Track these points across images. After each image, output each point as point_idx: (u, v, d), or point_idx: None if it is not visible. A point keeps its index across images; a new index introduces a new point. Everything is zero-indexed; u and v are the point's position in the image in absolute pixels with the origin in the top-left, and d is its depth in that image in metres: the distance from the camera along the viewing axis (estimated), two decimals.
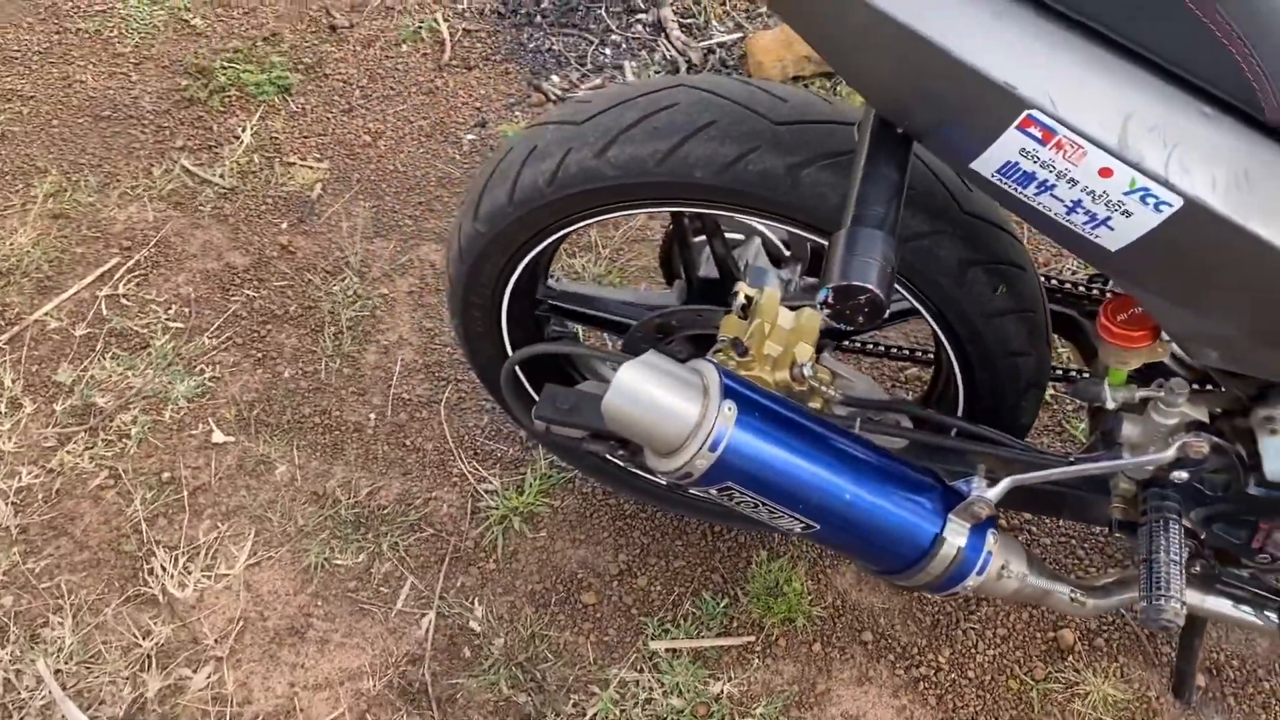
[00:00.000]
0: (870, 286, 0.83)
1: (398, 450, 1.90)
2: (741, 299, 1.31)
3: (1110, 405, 1.10)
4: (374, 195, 2.30)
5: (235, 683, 1.64)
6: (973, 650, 1.67)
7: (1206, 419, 1.10)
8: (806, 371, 1.27)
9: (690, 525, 1.81)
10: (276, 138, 2.43)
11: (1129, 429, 1.12)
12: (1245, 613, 1.25)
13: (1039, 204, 0.88)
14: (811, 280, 1.47)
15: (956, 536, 1.14)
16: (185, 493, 1.85)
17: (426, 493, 1.85)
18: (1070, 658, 1.66)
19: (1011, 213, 0.93)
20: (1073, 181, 0.85)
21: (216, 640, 1.69)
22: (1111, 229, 0.87)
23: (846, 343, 1.49)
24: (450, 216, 2.24)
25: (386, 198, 2.29)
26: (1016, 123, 0.83)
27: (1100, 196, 0.85)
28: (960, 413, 1.37)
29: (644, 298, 1.52)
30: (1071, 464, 1.13)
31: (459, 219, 1.38)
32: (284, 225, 2.25)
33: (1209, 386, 1.18)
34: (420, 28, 2.61)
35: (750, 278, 1.40)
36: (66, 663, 1.65)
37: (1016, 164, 0.86)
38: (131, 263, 2.18)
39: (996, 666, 1.65)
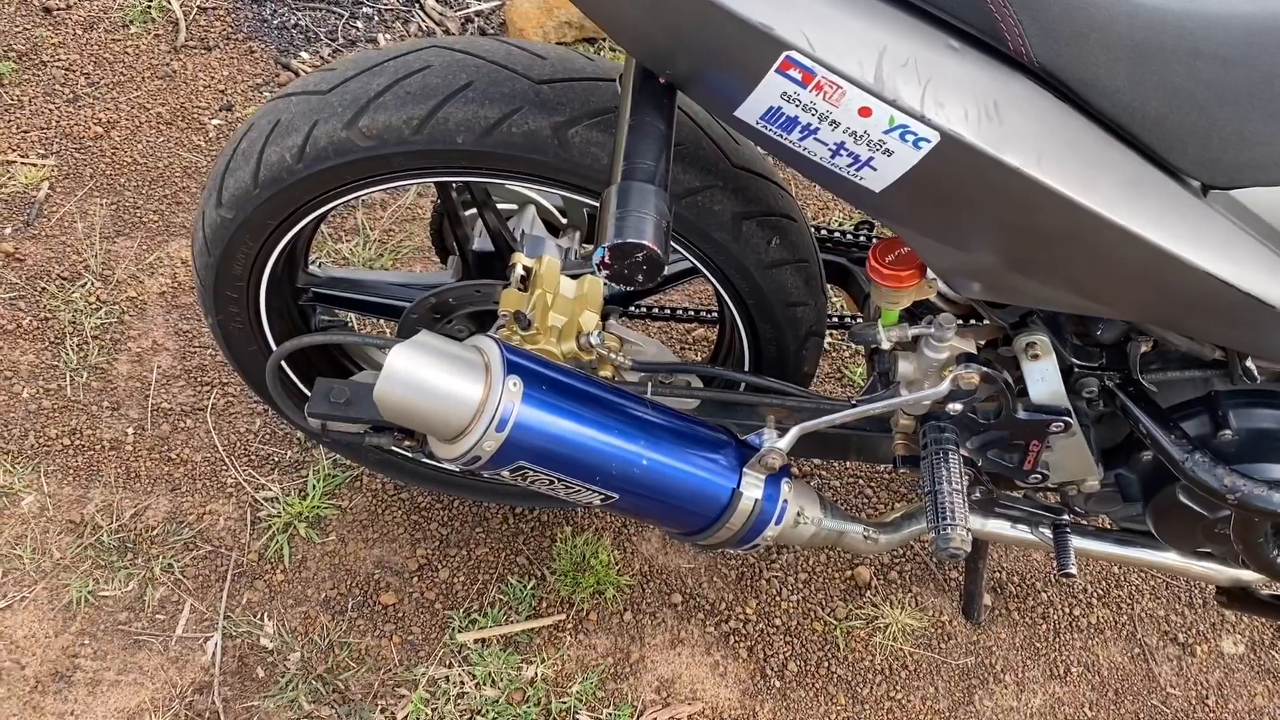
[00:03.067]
0: (646, 243, 0.80)
1: (163, 465, 1.75)
2: (520, 270, 1.26)
3: (885, 345, 1.12)
4: (111, 191, 2.10)
5: None
6: (777, 598, 1.70)
7: (975, 350, 1.14)
8: (594, 340, 1.24)
9: (490, 510, 1.75)
10: None
11: (904, 367, 1.15)
12: (1022, 531, 1.32)
13: (804, 149, 0.88)
14: (589, 248, 1.44)
15: (752, 489, 1.14)
16: None
17: (199, 507, 1.71)
18: (868, 593, 1.71)
19: (779, 160, 0.92)
20: (834, 123, 0.84)
21: None
22: (874, 169, 0.87)
23: (633, 309, 1.47)
24: None
25: (126, 193, 2.10)
26: (776, 65, 0.81)
27: (862, 137, 0.85)
28: (747, 367, 1.37)
29: (418, 278, 1.44)
30: (854, 406, 1.14)
31: (201, 207, 1.27)
32: (7, 231, 2.03)
33: (974, 320, 1.22)
34: (149, 7, 2.40)
35: (527, 248, 1.35)
36: None
37: (779, 109, 0.85)
38: None
39: (801, 611, 1.69)
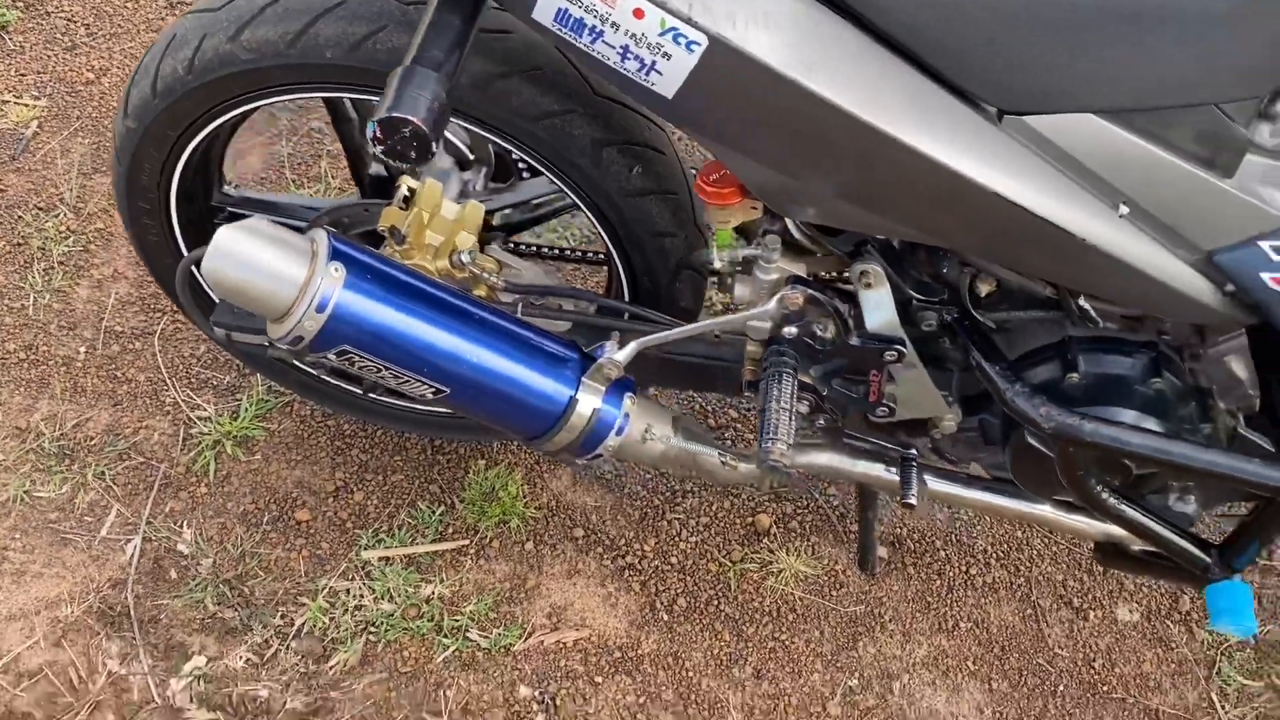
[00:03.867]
0: (414, 119, 0.87)
1: (108, 382, 1.86)
2: (404, 191, 1.33)
3: (716, 265, 1.18)
4: (94, 132, 2.22)
5: None
6: (676, 538, 1.75)
7: (805, 274, 1.19)
8: (465, 258, 1.31)
9: (410, 441, 1.83)
10: None
11: (739, 289, 1.20)
12: (868, 466, 1.35)
13: (597, 53, 0.94)
14: (495, 185, 1.51)
15: (590, 398, 1.20)
16: None
17: (137, 423, 1.81)
18: (766, 540, 1.76)
19: (587, 68, 0.98)
20: (615, 25, 0.90)
21: None
22: (660, 74, 0.93)
23: (524, 247, 1.53)
24: None
25: (108, 134, 2.21)
26: None
27: (641, 40, 0.91)
28: (626, 298, 1.43)
29: (325, 202, 1.52)
30: (685, 325, 1.19)
31: (114, 120, 1.36)
32: None
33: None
34: None
35: (426, 178, 1.43)
36: None
37: (567, 10, 0.91)
38: None
39: (698, 552, 1.74)
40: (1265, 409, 1.19)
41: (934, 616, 1.71)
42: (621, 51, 0.92)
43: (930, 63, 0.96)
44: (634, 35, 0.91)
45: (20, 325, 1.91)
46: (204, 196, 1.47)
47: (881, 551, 1.76)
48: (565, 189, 1.30)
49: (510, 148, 1.25)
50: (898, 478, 1.32)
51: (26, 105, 2.26)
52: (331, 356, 1.08)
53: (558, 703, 1.59)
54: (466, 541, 1.72)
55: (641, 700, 1.60)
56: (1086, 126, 1.01)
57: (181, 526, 1.71)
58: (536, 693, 1.59)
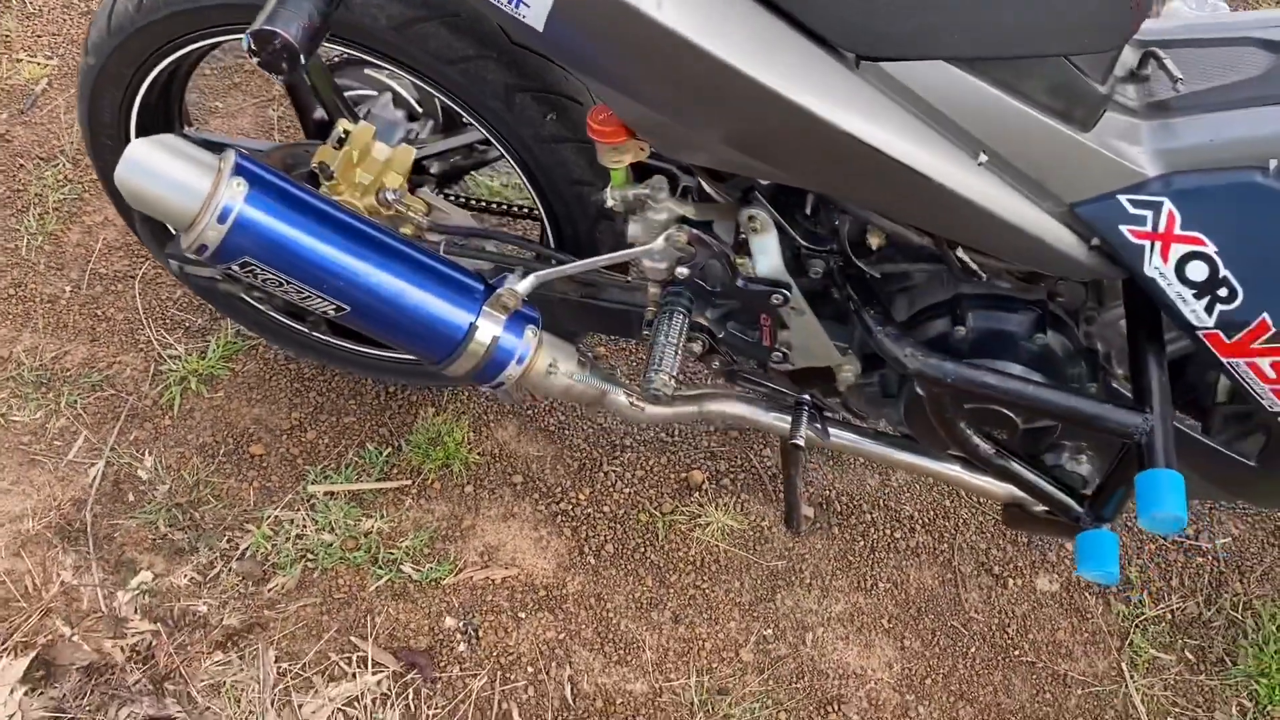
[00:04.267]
0: (283, 33, 0.95)
1: (89, 320, 1.97)
2: (339, 132, 1.42)
3: (610, 204, 1.24)
4: None
5: None
6: (611, 489, 1.82)
7: (693, 215, 1.25)
8: (389, 196, 1.39)
9: (366, 386, 1.91)
10: (8, 35, 2.45)
11: (632, 228, 1.27)
12: (762, 413, 1.41)
13: None
14: (440, 138, 1.59)
15: (490, 327, 1.27)
16: None
17: (111, 358, 1.92)
18: (697, 495, 1.82)
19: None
20: None
21: None
22: (528, 5, 1.00)
23: (456, 198, 1.61)
24: None
25: None
26: None
27: None
28: (551, 244, 1.50)
29: (276, 145, 1.61)
30: (579, 260, 1.26)
31: (80, 60, 1.46)
32: (3, 116, 2.28)
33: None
34: None
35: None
36: None
37: None
38: None
39: (630, 502, 1.81)
40: (1131, 359, 1.23)
41: (854, 575, 1.76)
42: None
43: (783, 6, 1.02)
44: None
45: (12, 264, 2.03)
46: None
47: (808, 511, 1.82)
48: (486, 135, 1.38)
49: (430, 90, 1.33)
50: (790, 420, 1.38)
51: (39, 64, 2.39)
52: (236, 268, 1.17)
53: (480, 634, 1.66)
54: (409, 482, 1.81)
55: (561, 636, 1.67)
56: (941, 74, 1.06)
57: (143, 454, 1.81)
58: (461, 624, 1.67)
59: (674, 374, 1.24)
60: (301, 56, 0.96)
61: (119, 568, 1.68)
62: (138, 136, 1.51)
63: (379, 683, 1.59)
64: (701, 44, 1.00)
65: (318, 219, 1.18)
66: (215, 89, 2.31)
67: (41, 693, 1.54)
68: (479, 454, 1.85)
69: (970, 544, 1.81)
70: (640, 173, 1.28)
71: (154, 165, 1.11)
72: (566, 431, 1.88)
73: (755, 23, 1.02)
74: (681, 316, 1.27)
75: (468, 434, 1.87)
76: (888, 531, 1.81)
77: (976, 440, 1.27)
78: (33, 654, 1.58)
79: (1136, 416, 1.14)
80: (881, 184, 1.12)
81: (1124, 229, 1.13)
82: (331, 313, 1.22)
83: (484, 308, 1.27)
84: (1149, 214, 1.11)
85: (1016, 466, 1.29)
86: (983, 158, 1.11)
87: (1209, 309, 1.14)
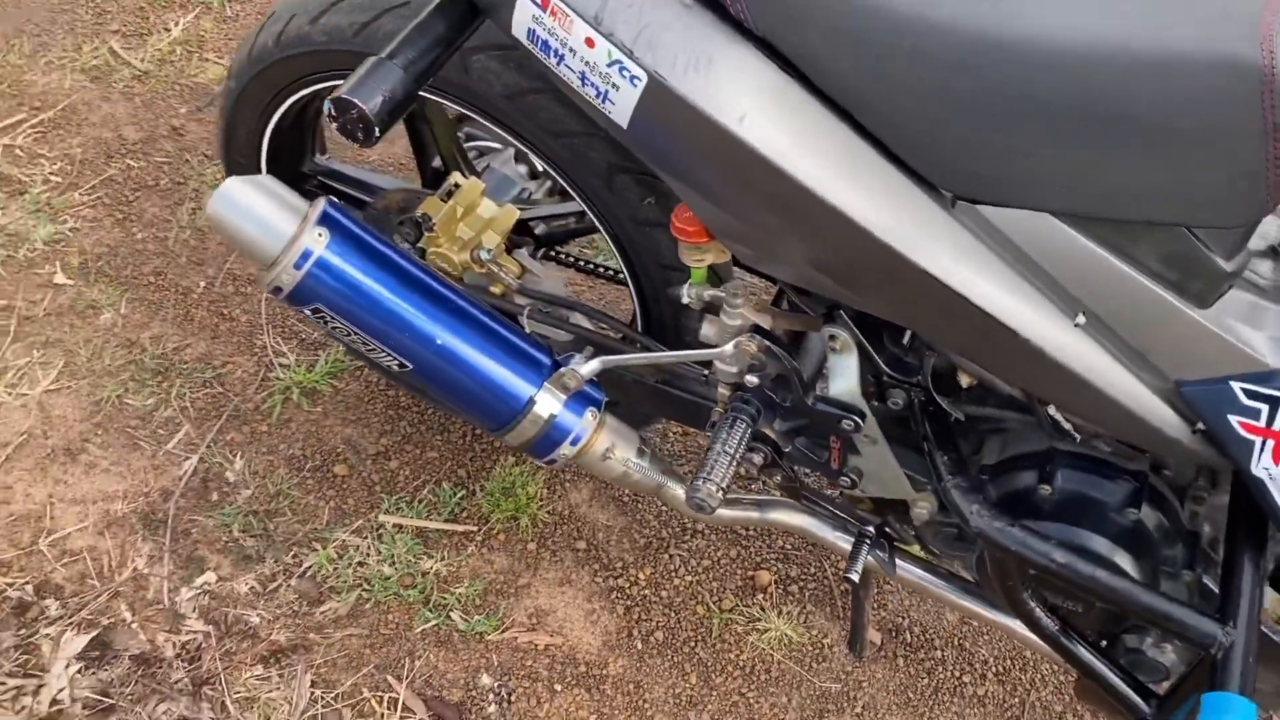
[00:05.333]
0: (362, 105, 0.95)
1: (214, 318, 2.06)
2: (449, 184, 1.44)
3: (685, 301, 1.21)
4: None
5: (1, 485, 1.80)
6: (673, 574, 1.77)
7: (769, 325, 1.20)
8: (484, 254, 1.40)
9: (454, 425, 1.93)
10: (203, 35, 2.61)
11: (706, 328, 1.23)
12: (821, 528, 1.34)
13: (563, 75, 1.00)
14: (551, 201, 1.60)
15: (549, 403, 1.25)
16: (14, 321, 2.01)
17: (227, 357, 2.00)
18: (761, 596, 1.75)
19: (560, 88, 1.04)
20: (572, 51, 0.96)
21: None
22: (613, 104, 0.98)
23: (557, 255, 1.60)
24: None
25: None
26: None
27: (594, 68, 0.96)
28: (639, 324, 1.48)
29: (400, 184, 1.65)
30: (648, 350, 1.23)
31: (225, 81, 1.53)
32: (182, 110, 2.42)
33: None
34: None
35: (489, 181, 1.53)
36: None
37: (535, 31, 0.98)
38: (36, 120, 2.37)
39: (690, 592, 1.75)
40: (1225, 561, 1.11)
41: (910, 714, 1.66)
42: (580, 77, 0.98)
43: (876, 134, 0.97)
44: (587, 63, 0.96)
45: (158, 253, 2.15)
46: (295, 163, 1.62)
47: (875, 636, 1.72)
48: (585, 206, 1.37)
49: (536, 160, 1.33)
50: (850, 546, 1.31)
51: (224, 66, 2.54)
52: (307, 312, 1.18)
53: (512, 699, 1.64)
54: (475, 528, 1.80)
55: (592, 717, 1.63)
56: (1044, 226, 0.99)
57: (235, 456, 1.87)
58: (496, 684, 1.65)
59: (724, 485, 1.19)
60: (376, 130, 0.97)
61: (188, 563, 1.74)
62: (269, 159, 1.57)
63: None
64: (782, 165, 0.95)
65: (393, 277, 1.18)
66: None
67: (93, 673, 1.60)
68: (548, 512, 1.83)
69: (1044, 703, 1.67)
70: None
71: (245, 203, 1.14)
72: (640, 505, 1.85)
73: (847, 149, 0.97)
74: (744, 425, 1.22)
75: (542, 490, 1.85)
76: (956, 673, 1.69)
77: (1039, 613, 1.17)
78: (94, 633, 1.64)
79: (1216, 627, 1.03)
80: (966, 331, 1.04)
81: (1233, 419, 1.02)
82: (395, 369, 1.23)
83: (546, 384, 1.25)
84: (1264, 408, 1.00)
85: (1079, 649, 1.18)
86: (1081, 319, 1.02)
87: None
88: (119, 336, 2.01)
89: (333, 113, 0.98)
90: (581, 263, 1.58)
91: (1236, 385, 1.01)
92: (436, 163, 1.55)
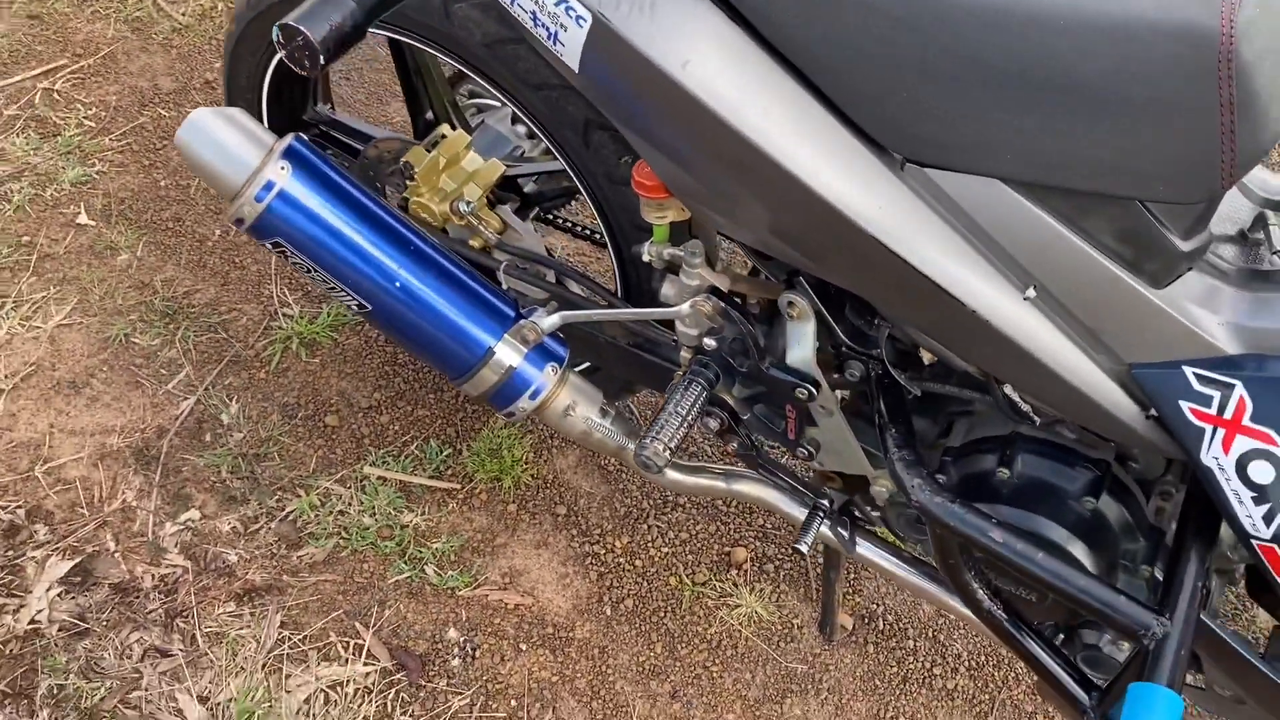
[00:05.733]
0: (308, 33, 0.96)
1: (225, 265, 2.09)
2: (436, 135, 1.45)
3: (645, 259, 1.20)
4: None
5: (5, 412, 1.85)
6: (650, 544, 1.77)
7: (727, 287, 1.19)
8: (463, 207, 1.40)
9: (448, 384, 1.94)
10: None
11: (665, 287, 1.21)
12: (773, 495, 1.32)
13: (516, 14, 1.00)
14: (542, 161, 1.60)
15: (509, 355, 1.25)
16: (35, 257, 2.07)
17: (233, 304, 2.03)
18: (736, 573, 1.74)
19: (517, 31, 1.04)
20: None
21: (6, 375, 1.89)
22: (563, 45, 0.98)
23: (550, 216, 1.60)
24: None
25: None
26: None
27: (543, 7, 0.96)
28: (617, 284, 1.47)
29: (394, 134, 1.66)
30: (609, 309, 1.22)
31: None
32: (217, 65, 2.47)
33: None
34: None
35: (477, 135, 1.54)
36: None
37: None
38: (76, 67, 2.43)
39: (665, 563, 1.75)
40: (1172, 551, 1.07)
41: (875, 701, 1.63)
42: (532, 16, 0.98)
43: (825, 91, 0.95)
44: (537, 2, 0.96)
45: (178, 199, 2.19)
46: (297, 110, 1.64)
47: (846, 620, 1.70)
48: (562, 161, 1.36)
49: (514, 109, 1.33)
50: (802, 516, 1.29)
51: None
52: (268, 246, 1.20)
53: (476, 655, 1.64)
54: (458, 486, 1.82)
55: (554, 679, 1.63)
56: (994, 193, 0.96)
57: (231, 400, 1.90)
58: (462, 639, 1.66)
59: (671, 445, 1.18)
60: (321, 58, 0.98)
61: (175, 500, 1.77)
62: (269, 105, 1.59)
63: (366, 675, 1.60)
64: (725, 116, 0.94)
65: (356, 216, 1.19)
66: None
67: (73, 597, 1.64)
68: (532, 476, 1.84)
69: (1015, 702, 1.64)
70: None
71: (212, 132, 1.16)
72: (624, 476, 1.84)
73: (795, 104, 0.96)
74: (699, 388, 1.21)
75: (528, 453, 1.86)
76: (927, 664, 1.67)
77: (982, 595, 1.15)
78: (78, 560, 1.68)
79: (1151, 617, 1.00)
80: (913, 300, 1.02)
81: (1184, 405, 0.99)
82: (355, 308, 1.24)
83: (505, 336, 1.25)
84: (1216, 394, 0.97)
85: (1022, 637, 1.15)
86: (1031, 292, 0.99)
87: (1269, 518, 0.98)
88: (133, 278, 2.06)
89: (280, 39, 0.99)
90: (563, 222, 1.58)
91: (1189, 370, 0.98)
92: (430, 116, 1.56)
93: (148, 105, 2.36)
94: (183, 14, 2.57)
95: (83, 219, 2.15)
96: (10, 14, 2.51)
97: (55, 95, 2.36)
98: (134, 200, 2.18)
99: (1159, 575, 1.16)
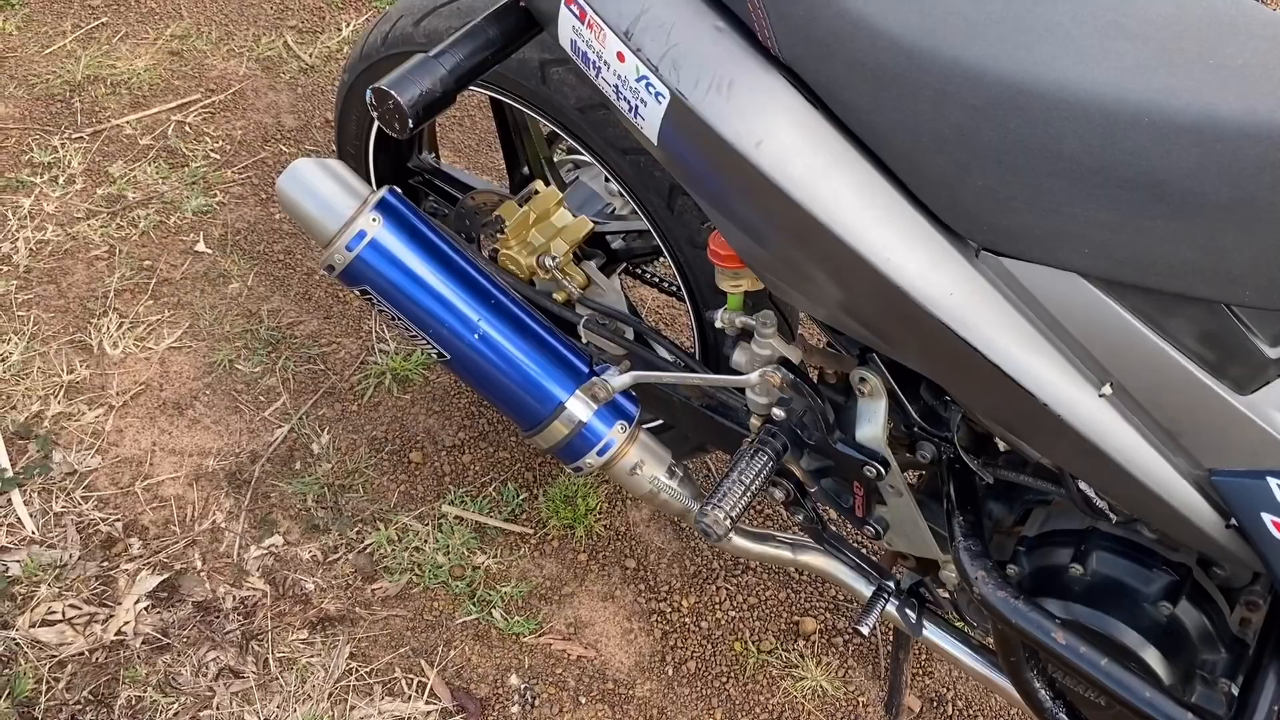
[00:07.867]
0: (399, 98, 1.00)
1: (330, 299, 2.17)
2: (529, 192, 1.48)
3: (718, 325, 1.20)
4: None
5: (114, 428, 1.94)
6: (717, 606, 1.75)
7: (798, 359, 1.18)
8: (548, 262, 1.43)
9: None
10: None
11: (737, 355, 1.21)
12: (838, 571, 1.30)
13: (601, 86, 1.02)
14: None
15: (579, 410, 1.27)
16: (154, 280, 2.18)
17: (334, 337, 2.11)
18: (802, 643, 1.71)
19: (600, 99, 1.06)
20: (606, 64, 0.98)
21: (118, 393, 2.00)
22: (644, 119, 0.99)
23: (640, 274, 1.62)
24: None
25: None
26: (564, 1, 0.97)
27: (625, 82, 0.98)
28: (695, 344, 1.48)
29: (491, 186, 1.70)
30: (682, 370, 1.23)
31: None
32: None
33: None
34: None
35: (570, 191, 1.57)
36: (3, 373, 2.01)
37: (576, 42, 1.00)
38: (208, 102, 2.56)
39: (731, 627, 1.73)
40: (1250, 667, 1.02)
41: None
42: (615, 89, 1.00)
43: (899, 174, 0.94)
44: (619, 76, 0.98)
45: (290, 234, 2.28)
46: (403, 157, 1.70)
47: (913, 702, 1.66)
48: (646, 222, 1.38)
49: (605, 172, 1.35)
50: (868, 600, 1.27)
51: None
52: (357, 293, 1.24)
53: (536, 704, 1.65)
54: (531, 531, 1.84)
55: None
56: (1072, 286, 0.94)
57: (323, 431, 1.96)
58: (523, 686, 1.67)
59: (733, 514, 1.17)
60: (410, 123, 1.01)
61: (261, 524, 1.84)
62: (375, 153, 1.65)
63: (427, 714, 1.62)
64: (796, 196, 0.94)
65: (442, 268, 1.23)
66: None
67: (158, 612, 1.71)
68: (605, 526, 1.84)
69: None
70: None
71: (311, 182, 1.21)
72: (696, 534, 1.83)
73: (867, 186, 0.95)
74: (766, 458, 1.21)
75: (602, 503, 1.87)
76: None
77: (1043, 695, 1.11)
78: (166, 575, 1.75)
79: None
80: (983, 389, 1.00)
81: (1267, 518, 0.94)
82: (434, 356, 1.27)
83: (578, 392, 1.27)
84: None
85: None
86: (1107, 389, 0.96)
87: None
88: (241, 306, 2.15)
89: (373, 102, 1.03)
90: (650, 275, 1.60)
91: (1273, 481, 0.93)
92: (526, 171, 1.60)
93: (270, 141, 2.48)
94: (310, 55, 2.69)
95: (200, 247, 2.25)
96: (155, 50, 2.67)
97: (186, 128, 2.49)
98: (249, 231, 2.28)
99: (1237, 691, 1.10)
